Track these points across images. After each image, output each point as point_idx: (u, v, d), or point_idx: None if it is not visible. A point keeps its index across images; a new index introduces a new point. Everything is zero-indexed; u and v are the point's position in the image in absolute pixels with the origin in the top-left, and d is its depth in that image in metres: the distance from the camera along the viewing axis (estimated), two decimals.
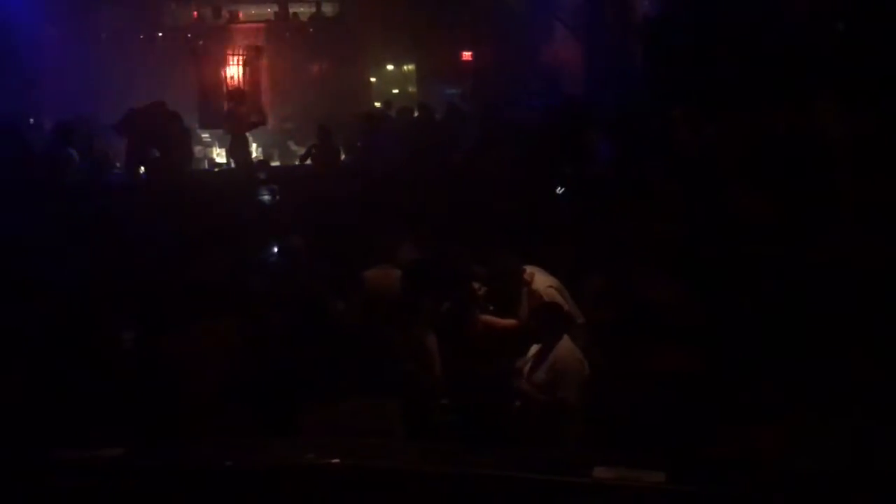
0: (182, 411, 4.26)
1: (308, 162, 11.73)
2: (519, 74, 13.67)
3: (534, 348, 5.14)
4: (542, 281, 5.62)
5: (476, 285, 5.77)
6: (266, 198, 10.85)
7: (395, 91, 15.68)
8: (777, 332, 4.12)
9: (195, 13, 15.48)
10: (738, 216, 5.30)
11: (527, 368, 5.11)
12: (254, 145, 12.12)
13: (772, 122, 5.78)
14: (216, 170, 12.38)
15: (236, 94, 11.15)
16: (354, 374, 4.87)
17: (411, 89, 15.83)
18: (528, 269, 5.69)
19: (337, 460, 2.35)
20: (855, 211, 4.98)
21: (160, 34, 15.00)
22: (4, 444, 2.61)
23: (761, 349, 3.82)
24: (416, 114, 12.39)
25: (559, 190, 7.92)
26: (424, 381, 5.20)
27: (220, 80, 13.21)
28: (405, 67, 16.15)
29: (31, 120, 12.62)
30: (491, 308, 5.80)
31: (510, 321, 5.64)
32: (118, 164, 11.78)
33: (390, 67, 16.06)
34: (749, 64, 7.52)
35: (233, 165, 11.39)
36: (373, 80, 15.86)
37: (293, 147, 13.56)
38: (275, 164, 12.89)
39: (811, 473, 2.72)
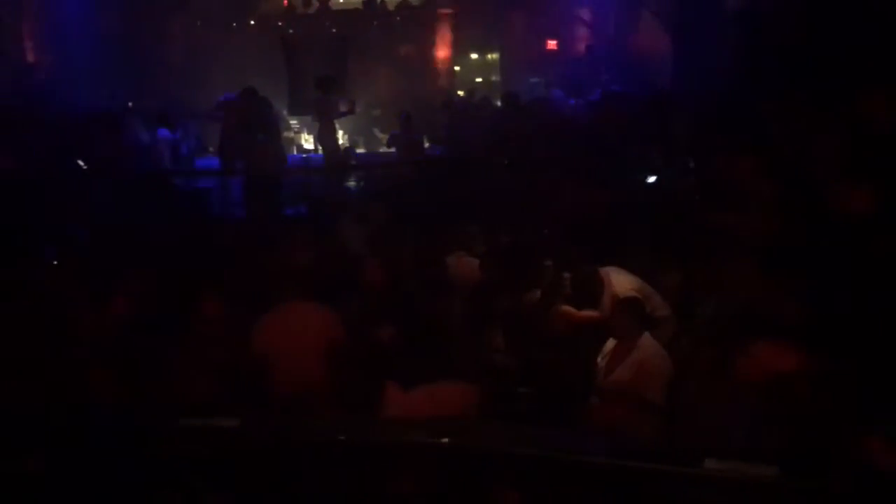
0: (275, 390, 4.41)
1: (391, 149, 11.93)
2: (604, 63, 13.53)
3: (610, 343, 5.10)
4: (620, 280, 5.59)
5: (566, 275, 5.77)
6: (352, 184, 11.12)
7: (479, 79, 15.70)
8: (881, 332, 4.00)
9: (286, 2, 15.80)
10: (840, 212, 5.15)
11: (604, 364, 5.08)
12: (340, 132, 12.35)
13: (878, 116, 5.57)
14: (304, 156, 12.67)
15: (325, 82, 11.35)
16: (433, 359, 4.97)
17: (494, 78, 15.82)
18: (606, 269, 5.66)
19: (446, 440, 2.38)
20: None
21: (252, 22, 15.38)
22: (129, 414, 2.78)
23: (864, 350, 3.72)
24: (498, 103, 12.45)
25: (650, 179, 7.84)
26: (502, 368, 5.27)
27: (310, 68, 13.47)
28: (489, 56, 16.14)
29: (130, 104, 13.16)
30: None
31: (591, 314, 5.63)
32: (211, 149, 12.22)
33: (474, 56, 16.07)
34: (855, 53, 7.26)
35: (320, 152, 11.63)
36: (456, 68, 15.92)
37: (378, 134, 13.77)
38: (360, 150, 13.15)
39: None
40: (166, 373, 4.20)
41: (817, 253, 5.26)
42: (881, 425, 2.81)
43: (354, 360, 4.54)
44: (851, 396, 3.20)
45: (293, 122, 13.78)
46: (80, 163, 9.76)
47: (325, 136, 11.29)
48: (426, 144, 12.29)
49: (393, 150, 11.87)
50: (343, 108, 11.44)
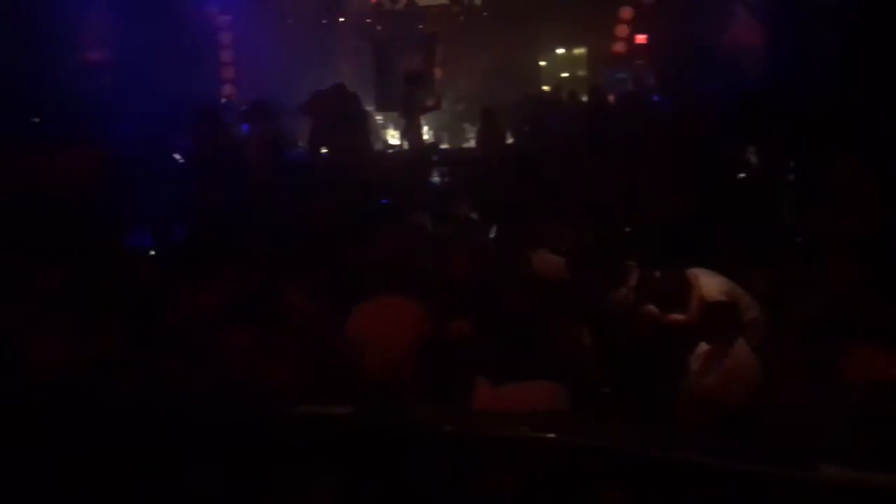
0: (365, 383, 4.49)
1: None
2: (695, 59, 13.21)
3: (703, 347, 4.99)
4: (708, 282, 5.46)
5: (656, 274, 5.67)
6: (436, 179, 11.19)
7: (565, 74, 15.57)
8: None
9: None
10: None
11: (696, 368, 4.98)
12: (425, 127, 12.44)
13: None
14: (390, 151, 12.82)
15: (412, 78, 11.46)
16: (517, 357, 4.96)
17: (581, 73, 15.65)
18: (693, 270, 5.54)
19: (553, 435, 2.38)
20: None
21: (342, 19, 15.63)
22: (242, 401, 2.87)
23: None
24: (584, 98, 12.31)
25: (741, 175, 7.63)
26: (587, 367, 5.23)
27: (397, 64, 13.62)
28: (576, 51, 15.97)
29: (223, 99, 13.58)
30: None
31: (678, 317, 5.52)
32: (301, 144, 12.48)
33: (561, 51, 15.94)
34: None
35: (405, 147, 11.76)
36: (542, 63, 15.81)
37: (467, 128, 13.82)
38: (444, 146, 13.21)
39: None
40: (256, 363, 4.32)
41: None
42: None
43: (443, 354, 4.57)
44: None
45: (379, 117, 13.95)
46: (177, 156, 10.13)
47: (410, 132, 11.39)
48: (509, 140, 12.27)
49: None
50: (429, 104, 11.51)
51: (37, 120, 10.77)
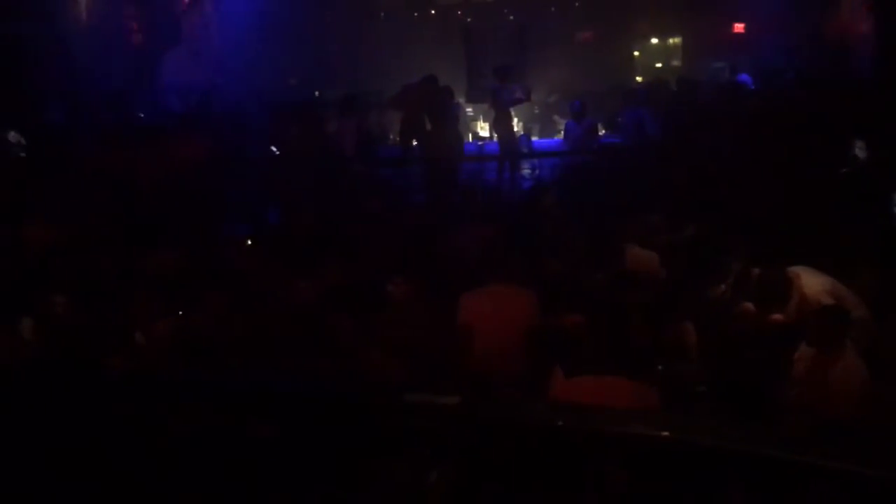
0: (473, 372, 4.51)
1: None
2: (797, 49, 12.73)
3: (808, 350, 4.77)
4: (811, 280, 5.25)
5: (755, 271, 5.49)
6: (526, 171, 11.14)
7: (659, 65, 15.24)
8: None
9: None
10: None
11: (800, 371, 4.78)
12: (515, 119, 12.39)
13: None
14: (479, 143, 12.83)
15: (502, 71, 11.42)
16: (606, 351, 4.89)
17: (675, 63, 15.30)
18: (795, 268, 5.33)
19: (666, 433, 2.35)
20: None
21: (432, 12, 15.71)
22: (353, 388, 2.93)
23: None
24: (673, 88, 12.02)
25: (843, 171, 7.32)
26: (682, 366, 5.11)
27: (488, 56, 13.60)
28: (671, 41, 15.63)
29: (317, 93, 13.85)
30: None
31: (777, 317, 5.33)
32: (392, 136, 12.63)
33: (654, 41, 15.62)
34: None
35: (495, 139, 11.74)
36: (636, 53, 15.52)
37: (558, 120, 13.69)
38: (535, 138, 13.12)
39: None
40: (361, 350, 4.40)
41: None
42: None
43: (554, 345, 4.55)
44: None
45: (468, 109, 13.97)
46: (273, 148, 10.38)
47: (500, 124, 11.35)
48: (602, 132, 12.09)
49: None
50: (519, 96, 11.45)
51: (142, 115, 11.25)
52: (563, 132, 12.07)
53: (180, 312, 4.80)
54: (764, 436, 2.47)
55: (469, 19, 15.33)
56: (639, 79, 14.50)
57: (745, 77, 11.86)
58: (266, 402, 2.64)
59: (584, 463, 2.36)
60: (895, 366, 4.55)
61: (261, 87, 12.67)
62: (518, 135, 11.96)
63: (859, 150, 7.13)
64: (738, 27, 14.38)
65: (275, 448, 2.55)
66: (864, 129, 7.53)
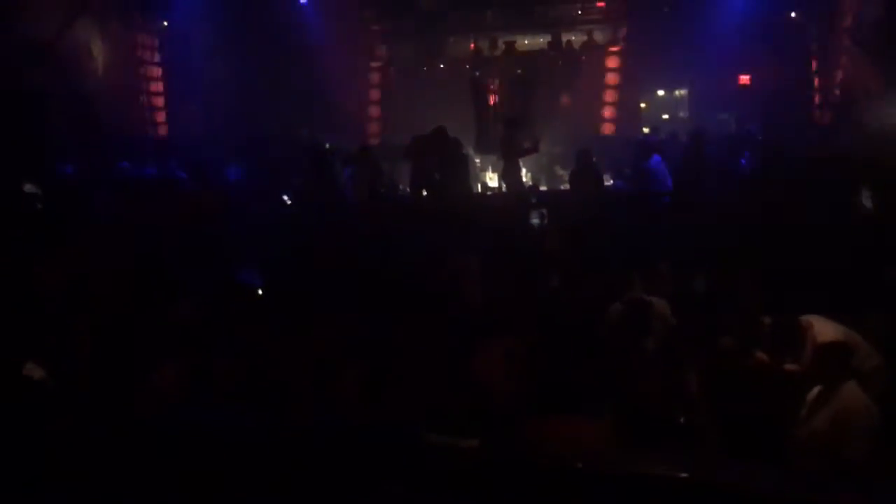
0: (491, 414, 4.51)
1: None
2: (803, 98, 12.90)
3: (815, 391, 4.83)
4: (824, 329, 5.26)
5: (766, 320, 5.52)
6: (535, 221, 11.20)
7: (666, 116, 15.44)
8: None
9: (472, 45, 16.33)
10: None
11: (804, 412, 4.82)
12: (523, 170, 12.52)
13: None
14: (489, 193, 12.95)
15: (511, 122, 11.60)
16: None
17: (682, 114, 15.50)
18: (808, 317, 5.36)
19: (686, 475, 2.36)
20: None
21: (441, 66, 16.00)
22: (371, 428, 2.95)
23: None
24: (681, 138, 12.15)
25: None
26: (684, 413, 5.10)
27: (496, 108, 13.82)
28: (677, 92, 15.85)
29: (328, 145, 14.05)
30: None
31: (790, 367, 5.34)
32: (402, 187, 12.77)
33: (661, 93, 15.85)
34: None
35: (504, 189, 11.85)
36: (643, 105, 15.73)
37: (559, 171, 13.84)
38: (542, 188, 13.24)
39: None
40: (374, 395, 4.42)
41: None
42: None
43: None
44: None
45: (477, 160, 14.14)
46: (285, 198, 10.52)
47: (509, 174, 11.48)
48: (609, 182, 12.18)
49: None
50: (527, 146, 11.60)
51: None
52: (568, 182, 12.14)
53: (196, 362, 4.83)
54: (798, 480, 2.48)
55: (477, 72, 15.59)
56: (645, 130, 14.67)
57: (752, 128, 12.01)
58: (279, 448, 2.66)
59: None
60: None
61: (268, 138, 12.88)
62: (527, 185, 12.07)
63: (866, 199, 7.19)
64: (744, 79, 14.58)
65: (287, 495, 2.56)
66: (870, 178, 7.59)
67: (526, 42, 16.21)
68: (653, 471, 2.37)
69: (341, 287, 6.63)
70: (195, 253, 7.27)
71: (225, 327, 5.38)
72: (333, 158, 11.43)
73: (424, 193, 10.84)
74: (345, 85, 15.09)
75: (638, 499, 2.34)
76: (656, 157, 10.47)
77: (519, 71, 15.49)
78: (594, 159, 11.41)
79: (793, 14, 13.80)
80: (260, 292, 7.32)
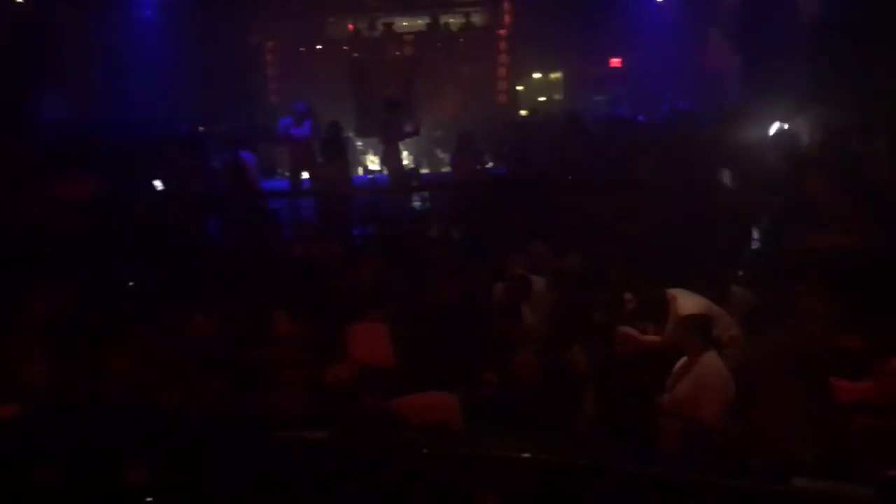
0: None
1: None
2: (670, 81, 13.43)
3: (680, 362, 5.09)
4: (686, 302, 5.52)
5: (627, 297, 5.75)
6: (417, 204, 11.22)
7: (542, 99, 15.72)
8: None
9: (351, 26, 16.13)
10: None
11: (670, 381, 5.09)
12: (404, 153, 12.52)
13: None
14: (370, 176, 12.89)
15: (391, 105, 11.55)
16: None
17: (557, 97, 15.83)
18: (672, 291, 5.62)
19: (527, 454, 2.42)
20: None
21: (319, 47, 15.74)
22: (222, 425, 2.90)
23: None
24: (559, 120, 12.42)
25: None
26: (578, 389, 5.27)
27: (376, 91, 13.72)
28: (552, 75, 16.16)
29: (202, 128, 13.57)
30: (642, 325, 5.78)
31: (653, 338, 5.59)
32: (279, 170, 12.53)
33: (537, 75, 16.12)
34: None
35: (385, 173, 11.82)
36: (519, 88, 15.98)
37: (440, 154, 13.91)
38: (424, 171, 13.28)
39: None
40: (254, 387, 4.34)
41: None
42: None
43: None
44: None
45: (358, 143, 14.03)
46: (157, 183, 10.11)
47: (390, 157, 11.44)
48: (489, 164, 12.34)
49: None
50: (408, 130, 11.59)
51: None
52: (449, 165, 12.23)
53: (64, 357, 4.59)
54: (633, 454, 2.59)
55: (356, 54, 15.43)
56: (523, 112, 14.91)
57: (623, 110, 12.40)
58: (134, 443, 2.58)
59: (453, 489, 2.41)
60: (765, 381, 4.80)
61: (142, 122, 12.32)
62: (407, 168, 12.07)
63: (727, 178, 7.57)
64: (615, 62, 15.04)
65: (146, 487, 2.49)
66: (732, 157, 7.98)
67: (405, 24, 16.16)
68: (498, 452, 2.43)
69: (215, 278, 6.44)
70: (66, 244, 6.89)
71: (93, 322, 5.13)
72: (207, 143, 11.09)
73: (305, 176, 10.68)
74: (220, 67, 14.58)
75: (482, 480, 2.39)
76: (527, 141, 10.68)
77: (398, 53, 15.43)
78: (474, 142, 11.54)
79: None
80: (131, 284, 7.04)
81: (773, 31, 10.39)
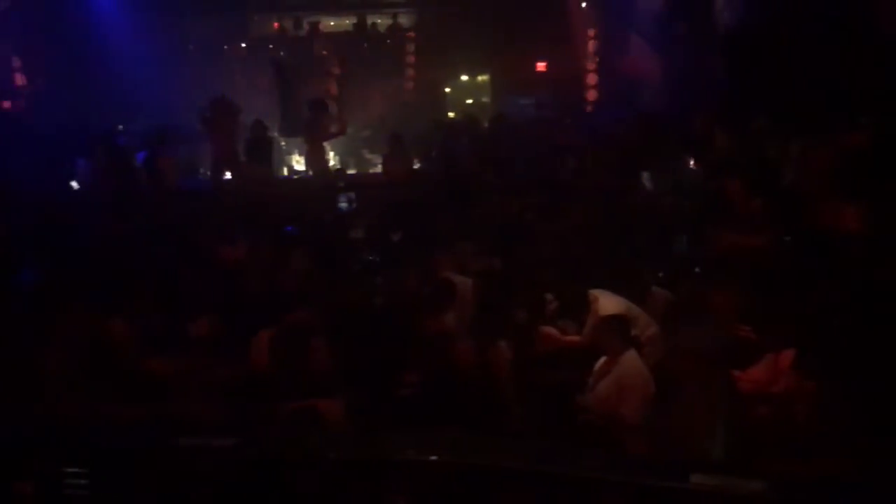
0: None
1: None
2: (594, 85, 13.66)
3: (601, 361, 5.18)
4: (606, 302, 5.62)
5: (549, 297, 5.81)
6: (343, 205, 11.12)
7: (469, 101, 15.79)
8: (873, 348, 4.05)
9: (276, 25, 15.91)
10: (829, 229, 5.25)
11: (592, 380, 5.18)
12: (331, 153, 12.41)
13: (858, 134, 5.70)
14: (295, 177, 12.72)
15: (316, 104, 11.42)
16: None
17: (485, 99, 15.92)
18: (594, 292, 5.71)
19: (435, 457, 2.41)
20: None
21: (244, 45, 15.47)
22: (126, 434, 2.81)
23: (855, 370, 3.77)
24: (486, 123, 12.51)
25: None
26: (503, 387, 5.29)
27: (301, 90, 13.56)
28: (479, 78, 16.25)
29: (121, 127, 13.19)
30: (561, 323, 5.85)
31: (573, 338, 5.67)
32: (202, 170, 12.26)
33: (464, 78, 16.19)
34: (833, 75, 7.42)
35: (310, 173, 11.69)
36: (447, 90, 16.02)
37: (367, 155, 13.84)
38: (351, 171, 13.18)
39: None
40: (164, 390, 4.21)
41: (808, 271, 5.35)
42: None
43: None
44: (842, 417, 3.24)
45: (283, 143, 13.84)
46: (73, 183, 9.79)
47: (315, 158, 11.33)
48: (416, 165, 12.33)
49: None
50: (333, 130, 11.49)
51: None
52: (376, 165, 12.19)
53: None
54: (538, 453, 2.62)
55: (282, 53, 15.22)
56: (451, 114, 14.95)
57: (548, 113, 12.55)
58: (28, 454, 2.47)
59: (361, 492, 2.40)
60: (680, 378, 4.92)
61: (60, 120, 11.90)
62: (333, 168, 11.97)
63: (647, 181, 7.73)
64: (541, 66, 15.20)
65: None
66: (652, 160, 8.15)
67: (332, 23, 16.02)
68: (407, 455, 2.43)
69: (130, 280, 6.24)
70: None
71: None
72: (123, 143, 10.78)
73: (228, 177, 10.48)
74: (141, 65, 14.18)
75: (392, 484, 2.38)
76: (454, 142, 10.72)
77: (324, 52, 15.29)
78: (403, 143, 11.52)
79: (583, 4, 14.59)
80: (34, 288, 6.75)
81: (693, 37, 10.67)
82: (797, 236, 5.73)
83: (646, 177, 7.76)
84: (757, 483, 2.28)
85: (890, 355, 3.83)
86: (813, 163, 6.01)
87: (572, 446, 3.97)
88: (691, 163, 7.54)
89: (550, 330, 5.63)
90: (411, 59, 15.50)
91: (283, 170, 13.15)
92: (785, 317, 4.27)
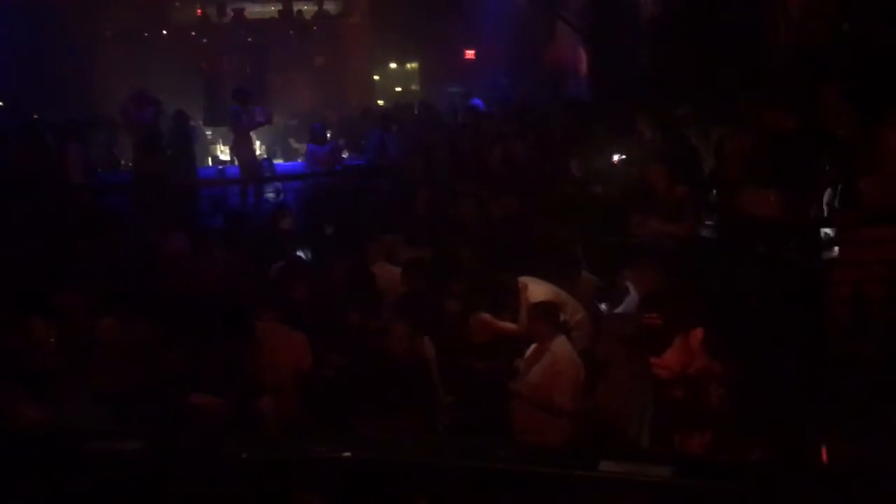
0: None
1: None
2: (521, 73, 13.70)
3: (531, 348, 5.22)
4: (536, 289, 5.65)
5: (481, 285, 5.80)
6: (270, 195, 10.95)
7: (398, 89, 15.72)
8: (793, 334, 4.18)
9: (199, 11, 15.52)
10: (750, 216, 5.38)
11: (522, 367, 5.23)
12: (257, 143, 12.18)
13: (779, 121, 5.85)
14: (219, 167, 12.45)
15: (242, 93, 11.18)
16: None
17: (414, 87, 15.87)
18: (522, 279, 5.74)
19: (348, 454, 2.39)
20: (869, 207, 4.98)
21: (165, 32, 15.04)
22: (33, 438, 2.69)
23: (776, 353, 3.87)
24: (416, 111, 12.47)
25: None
26: (426, 378, 5.29)
27: (226, 78, 13.27)
28: (408, 66, 16.18)
29: (35, 116, 12.67)
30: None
31: (508, 324, 5.69)
32: (123, 162, 11.90)
33: (393, 66, 16.10)
34: (754, 63, 7.60)
35: (236, 163, 11.45)
36: (376, 78, 15.91)
37: (294, 145, 13.65)
38: (277, 161, 12.97)
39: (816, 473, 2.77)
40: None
41: (727, 255, 5.49)
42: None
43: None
44: (756, 397, 3.32)
45: (208, 132, 13.53)
46: None
47: (241, 148, 11.11)
48: (345, 154, 12.21)
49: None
50: (260, 119, 11.28)
51: None
52: (304, 155, 12.01)
53: None
54: (451, 447, 2.63)
55: (205, 40, 14.86)
56: (380, 102, 14.85)
57: (477, 101, 12.54)
58: None
59: (275, 492, 2.37)
60: (610, 363, 4.99)
61: None
62: (260, 158, 11.76)
63: (575, 168, 7.80)
64: (469, 54, 15.20)
65: None
66: (580, 148, 8.23)
67: (256, 10, 15.71)
68: (313, 453, 2.41)
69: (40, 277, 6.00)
70: None
71: None
72: (44, 131, 10.35)
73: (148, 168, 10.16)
74: (56, 52, 13.63)
75: (305, 482, 2.36)
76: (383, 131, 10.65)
77: (249, 40, 14.99)
78: (329, 132, 11.40)
79: None
80: None
81: (617, 26, 10.80)
82: (718, 223, 5.86)
83: (574, 164, 7.82)
84: (664, 469, 2.33)
85: (794, 335, 3.95)
86: (732, 150, 6.13)
87: (486, 439, 3.98)
88: (615, 152, 7.64)
89: (486, 316, 5.63)
90: (338, 46, 15.31)
91: (207, 160, 12.86)
92: (690, 297, 4.35)
